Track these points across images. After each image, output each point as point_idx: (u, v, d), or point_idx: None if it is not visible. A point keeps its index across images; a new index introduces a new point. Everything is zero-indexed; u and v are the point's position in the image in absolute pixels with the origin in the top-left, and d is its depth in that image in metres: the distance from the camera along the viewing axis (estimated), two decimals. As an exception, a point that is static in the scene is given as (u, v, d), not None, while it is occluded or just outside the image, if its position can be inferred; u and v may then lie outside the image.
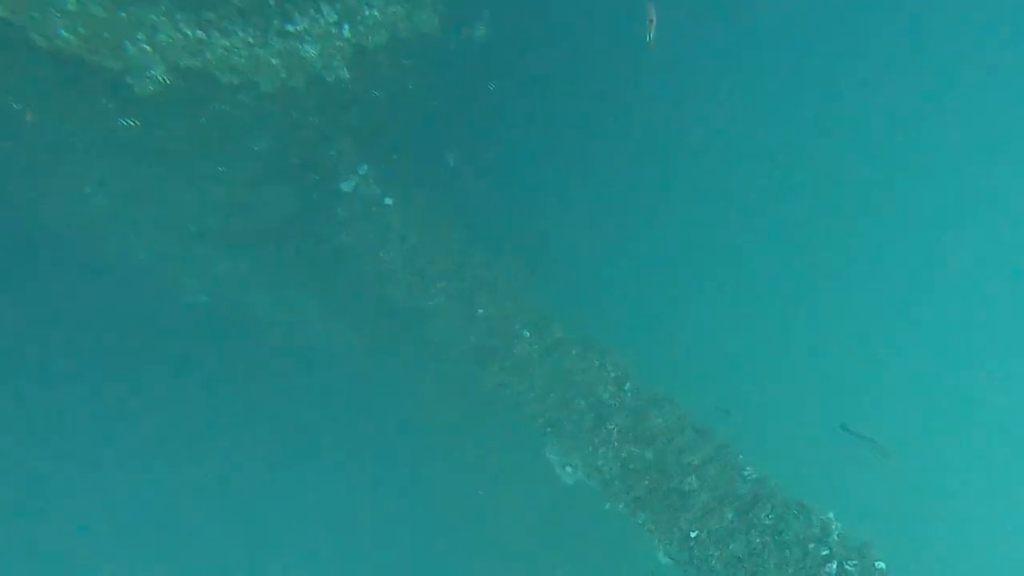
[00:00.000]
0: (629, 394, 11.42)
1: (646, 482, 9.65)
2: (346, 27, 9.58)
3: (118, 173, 10.17)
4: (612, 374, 11.73)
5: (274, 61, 8.94)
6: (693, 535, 8.72)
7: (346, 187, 13.99)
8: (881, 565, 7.67)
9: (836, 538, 7.98)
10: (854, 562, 7.69)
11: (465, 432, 15.99)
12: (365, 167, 14.07)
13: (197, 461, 14.34)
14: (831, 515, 8.30)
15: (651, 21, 6.81)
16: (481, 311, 13.33)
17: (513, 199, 16.89)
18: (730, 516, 8.64)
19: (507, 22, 13.22)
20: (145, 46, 7.48)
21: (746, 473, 9.05)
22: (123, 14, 7.22)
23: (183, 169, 10.61)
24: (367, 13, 9.80)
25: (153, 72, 7.65)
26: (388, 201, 14.34)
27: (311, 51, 9.27)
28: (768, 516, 8.43)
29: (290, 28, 9.00)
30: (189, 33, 7.91)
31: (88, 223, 10.61)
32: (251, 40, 8.63)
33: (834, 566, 7.71)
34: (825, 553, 7.85)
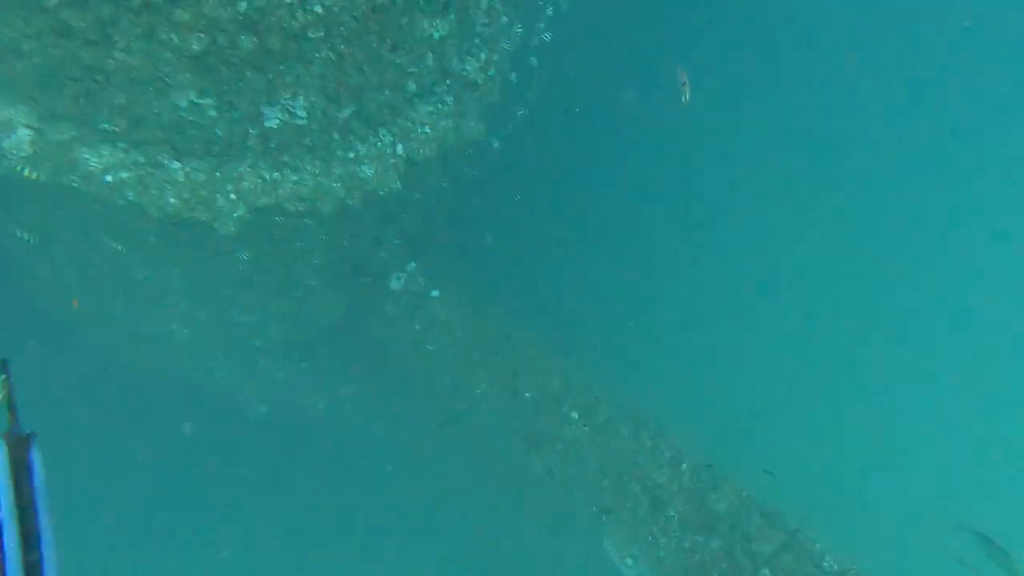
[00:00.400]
0: (687, 475, 11.31)
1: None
2: (400, 146, 10.27)
3: (197, 306, 10.88)
4: (666, 454, 11.63)
5: (335, 185, 9.61)
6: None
7: (395, 285, 14.51)
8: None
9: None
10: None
11: (517, 520, 15.86)
12: (413, 264, 14.64)
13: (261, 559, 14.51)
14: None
15: (684, 84, 7.42)
16: (528, 395, 13.44)
17: (554, 280, 17.44)
18: (811, 613, 8.45)
19: (546, 125, 14.10)
20: (232, 195, 8.19)
21: (826, 565, 8.86)
22: (218, 173, 8.00)
23: (250, 291, 11.26)
24: (419, 131, 10.51)
25: (236, 215, 8.34)
26: (435, 294, 14.83)
27: (367, 171, 9.93)
28: (853, 614, 8.22)
29: (351, 155, 9.71)
30: (267, 176, 8.63)
31: (173, 355, 11.38)
32: (317, 172, 9.33)
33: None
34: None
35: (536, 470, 12.91)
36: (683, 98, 7.68)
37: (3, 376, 2.24)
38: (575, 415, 12.97)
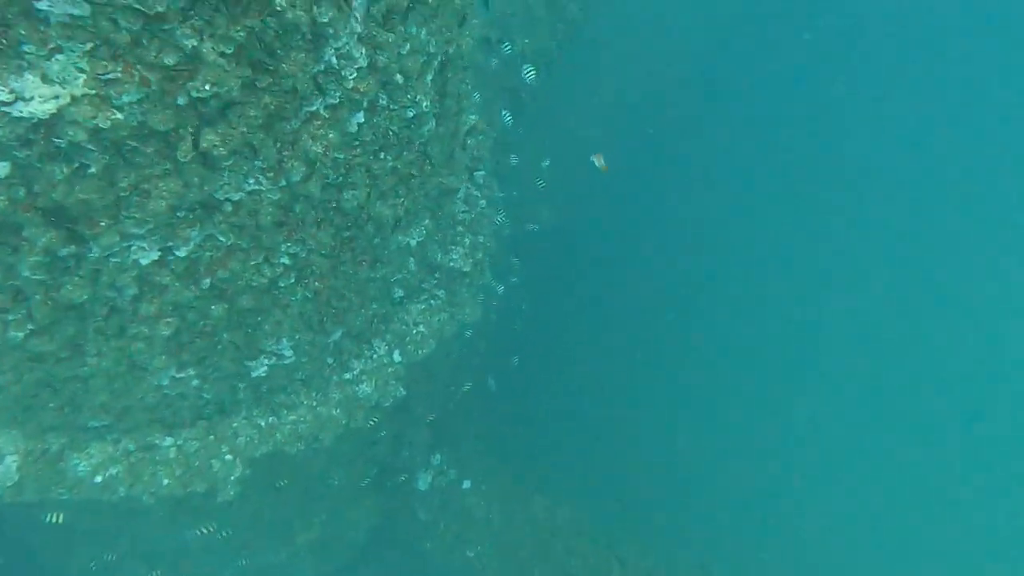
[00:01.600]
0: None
1: None
2: (397, 353, 9.88)
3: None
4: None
5: (335, 412, 9.10)
6: None
7: (423, 484, 13.64)
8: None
9: None
10: None
11: None
12: (438, 456, 13.84)
13: None
14: None
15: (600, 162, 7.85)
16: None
17: (595, 451, 16.76)
18: None
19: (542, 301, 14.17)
20: (228, 456, 7.70)
21: None
22: (212, 436, 7.58)
23: (272, 532, 10.50)
24: (415, 332, 10.17)
25: (234, 477, 7.79)
26: (466, 485, 13.88)
27: (367, 389, 9.46)
28: None
29: (347, 376, 9.29)
30: (263, 423, 8.18)
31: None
32: (315, 403, 8.88)
33: None
34: None
35: None
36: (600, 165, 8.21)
37: None
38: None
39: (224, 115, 5.04)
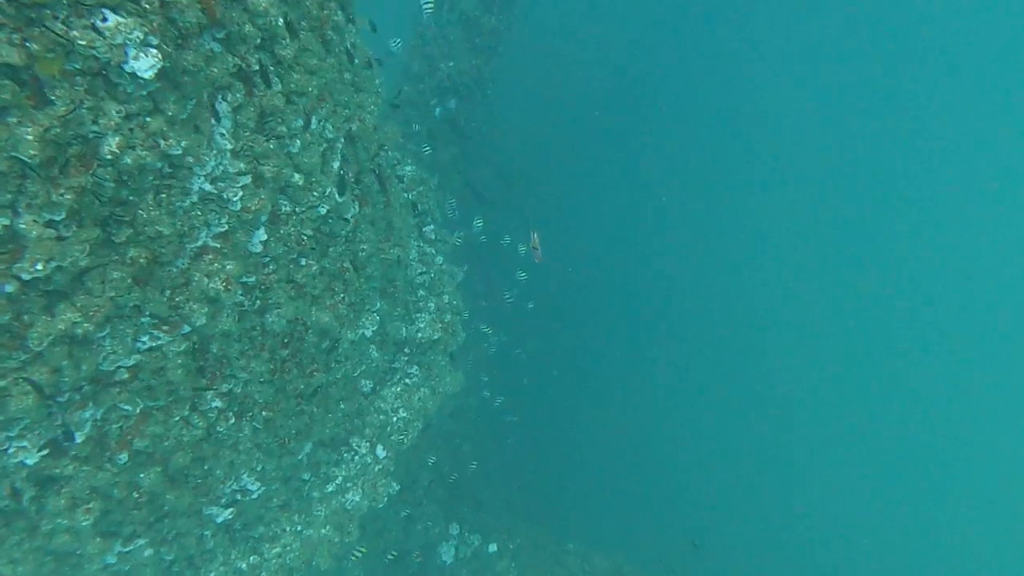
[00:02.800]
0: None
1: None
2: (379, 448, 9.11)
3: None
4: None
5: (325, 531, 8.31)
6: None
7: (446, 556, 12.82)
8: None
9: None
10: None
11: None
12: (456, 526, 13.02)
13: None
14: None
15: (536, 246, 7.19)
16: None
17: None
18: None
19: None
20: (204, 630, 6.93)
21: None
22: None
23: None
24: (395, 419, 9.39)
25: (214, 647, 7.00)
26: (492, 548, 13.07)
27: (355, 497, 8.67)
28: None
29: (330, 488, 8.50)
30: (244, 565, 7.40)
31: None
32: (299, 526, 8.09)
33: None
34: None
35: None
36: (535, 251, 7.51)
37: None
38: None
39: (81, 285, 4.29)
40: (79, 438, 4.87)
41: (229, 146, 4.90)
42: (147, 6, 3.83)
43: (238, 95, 4.83)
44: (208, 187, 4.85)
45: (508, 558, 12.95)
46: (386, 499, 9.12)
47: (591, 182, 25.58)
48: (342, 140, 6.49)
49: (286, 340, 6.59)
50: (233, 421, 6.28)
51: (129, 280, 4.47)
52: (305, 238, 6.15)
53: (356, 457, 8.86)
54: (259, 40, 4.80)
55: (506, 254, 14.10)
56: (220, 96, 4.72)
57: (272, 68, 5.04)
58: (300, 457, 8.04)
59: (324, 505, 8.39)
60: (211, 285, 5.14)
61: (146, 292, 4.72)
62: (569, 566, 12.24)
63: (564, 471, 16.24)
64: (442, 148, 14.35)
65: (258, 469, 7.22)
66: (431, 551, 12.95)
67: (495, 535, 13.23)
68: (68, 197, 3.86)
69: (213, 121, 4.67)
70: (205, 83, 4.46)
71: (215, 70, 4.46)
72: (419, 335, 9.86)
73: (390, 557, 11.31)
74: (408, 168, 11.16)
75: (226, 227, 5.13)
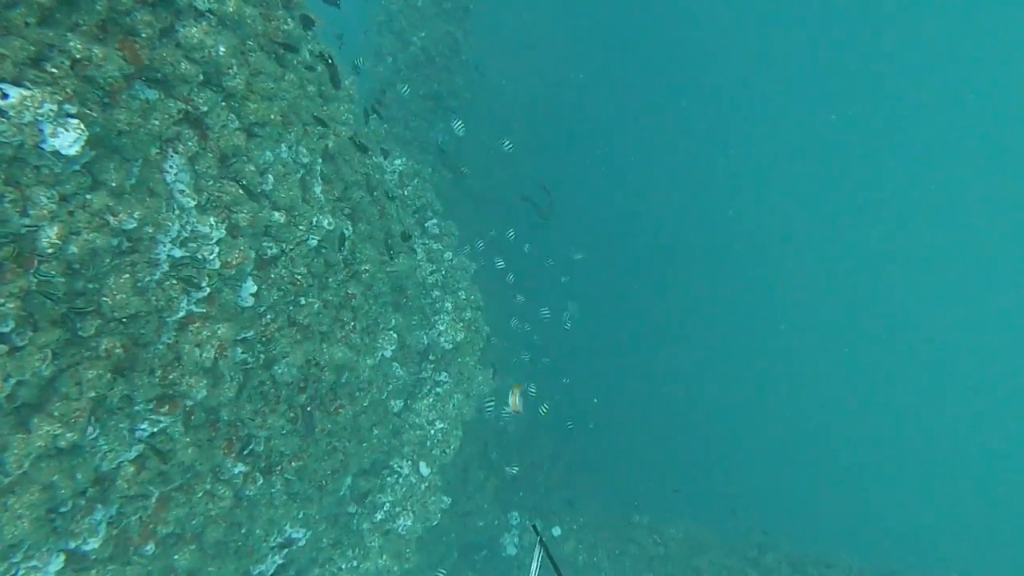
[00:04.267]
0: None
1: None
2: (422, 464, 8.73)
3: None
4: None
5: (382, 562, 8.00)
6: None
7: (511, 549, 12.60)
8: None
9: None
10: None
11: None
12: (516, 515, 12.75)
13: None
14: None
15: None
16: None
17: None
18: None
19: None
20: None
21: None
22: None
23: None
24: (433, 432, 8.99)
25: None
26: (556, 532, 12.80)
27: (407, 521, 8.32)
28: None
29: (379, 517, 8.16)
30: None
31: None
32: (355, 563, 7.78)
33: None
34: None
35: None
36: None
37: None
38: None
39: (54, 391, 3.81)
40: (94, 543, 4.47)
41: (192, 202, 4.33)
42: (55, 71, 3.23)
43: (190, 143, 4.23)
44: (178, 252, 4.31)
45: (574, 539, 12.68)
46: (439, 516, 8.78)
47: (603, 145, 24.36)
48: (319, 161, 5.88)
49: (302, 385, 6.13)
50: (262, 481, 5.87)
51: (108, 374, 3.99)
52: (299, 277, 5.61)
53: (400, 479, 8.49)
54: (201, 76, 4.17)
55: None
56: (170, 149, 4.14)
57: (222, 105, 4.42)
58: (342, 492, 7.68)
59: (376, 535, 8.06)
60: (204, 355, 4.64)
61: (132, 380, 4.24)
62: (640, 540, 11.92)
63: (621, 444, 15.84)
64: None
65: (299, 516, 6.86)
66: (494, 544, 12.73)
67: (555, 518, 12.96)
68: (11, 306, 3.35)
69: (168, 179, 4.10)
70: (148, 139, 3.88)
71: (156, 123, 3.86)
72: (441, 339, 9.36)
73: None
74: (398, 162, 10.50)
75: (208, 289, 4.60)
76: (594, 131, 24.30)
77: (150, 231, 3.98)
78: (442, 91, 13.92)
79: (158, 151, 4.01)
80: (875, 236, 31.17)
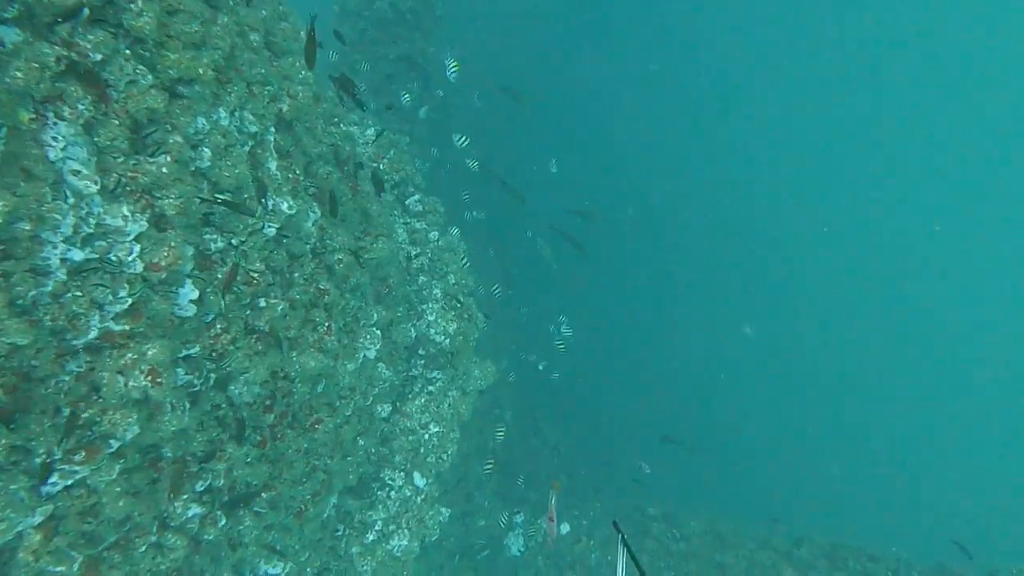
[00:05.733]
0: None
1: None
2: (417, 475, 7.76)
3: None
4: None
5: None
6: None
7: (516, 549, 11.78)
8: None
9: None
10: None
11: None
12: (520, 514, 11.92)
13: None
14: None
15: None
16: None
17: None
18: None
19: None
20: None
21: None
22: None
23: None
24: (427, 436, 8.01)
25: None
26: (565, 529, 12.00)
27: (403, 541, 7.40)
28: None
29: (370, 537, 7.19)
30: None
31: None
32: (343, 594, 6.84)
33: None
34: None
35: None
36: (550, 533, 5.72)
37: None
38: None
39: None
40: (1, 634, 3.44)
41: (94, 187, 3.22)
42: None
43: (82, 106, 3.11)
44: (79, 254, 3.21)
45: (585, 536, 11.86)
46: (438, 531, 7.84)
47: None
48: (272, 129, 4.75)
49: (268, 403, 5.08)
50: (224, 521, 4.85)
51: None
52: (256, 274, 4.52)
53: (392, 493, 7.52)
54: (87, 10, 3.04)
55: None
56: (51, 114, 3.01)
57: (126, 53, 3.29)
58: (326, 515, 6.71)
59: (369, 558, 7.10)
60: (131, 383, 3.58)
61: (26, 427, 3.18)
62: (658, 535, 11.08)
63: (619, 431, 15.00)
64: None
65: (276, 548, 5.87)
66: (498, 544, 11.90)
67: (565, 514, 12.11)
68: None
69: (52, 155, 2.99)
70: (9, 99, 2.76)
71: (19, 75, 2.74)
72: (431, 331, 8.32)
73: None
74: (371, 131, 9.29)
75: (130, 300, 3.52)
76: (577, 101, 22.94)
77: (27, 228, 2.89)
78: (413, 52, 12.43)
79: (32, 116, 2.89)
80: (913, 228, 29.88)
